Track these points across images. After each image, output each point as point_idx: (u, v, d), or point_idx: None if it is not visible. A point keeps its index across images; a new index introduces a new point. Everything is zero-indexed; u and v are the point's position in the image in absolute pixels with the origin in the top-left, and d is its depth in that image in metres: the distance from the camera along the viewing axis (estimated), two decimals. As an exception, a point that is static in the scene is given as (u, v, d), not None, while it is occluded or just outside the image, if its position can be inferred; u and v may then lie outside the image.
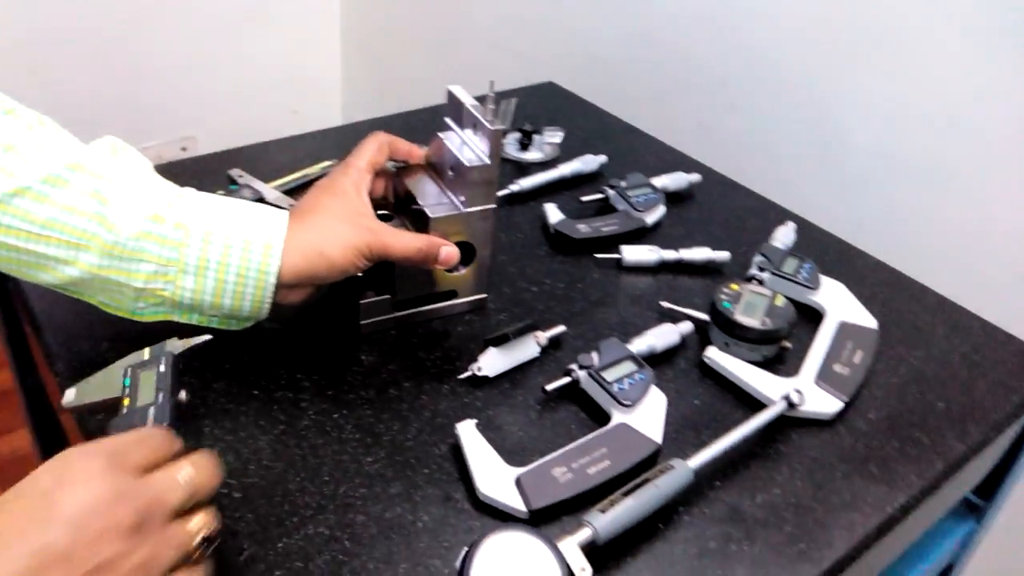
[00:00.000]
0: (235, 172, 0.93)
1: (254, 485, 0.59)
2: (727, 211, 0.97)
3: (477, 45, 1.80)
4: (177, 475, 0.44)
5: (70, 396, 0.59)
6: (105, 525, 0.39)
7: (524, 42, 1.64)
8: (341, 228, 0.64)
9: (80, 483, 0.40)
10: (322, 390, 0.68)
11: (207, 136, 2.23)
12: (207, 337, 0.63)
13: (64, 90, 1.86)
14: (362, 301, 0.72)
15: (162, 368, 0.58)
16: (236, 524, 0.56)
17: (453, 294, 0.76)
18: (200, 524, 0.44)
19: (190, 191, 0.64)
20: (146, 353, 0.60)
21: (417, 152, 0.75)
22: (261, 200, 0.88)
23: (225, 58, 2.15)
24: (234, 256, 0.60)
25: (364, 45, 2.27)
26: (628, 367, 0.68)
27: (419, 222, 0.71)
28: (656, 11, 1.33)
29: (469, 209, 0.71)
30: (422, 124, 1.11)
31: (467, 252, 0.74)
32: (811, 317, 0.80)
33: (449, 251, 0.68)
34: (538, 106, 1.19)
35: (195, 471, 0.45)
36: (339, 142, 1.05)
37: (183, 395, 0.59)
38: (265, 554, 0.54)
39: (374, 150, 0.71)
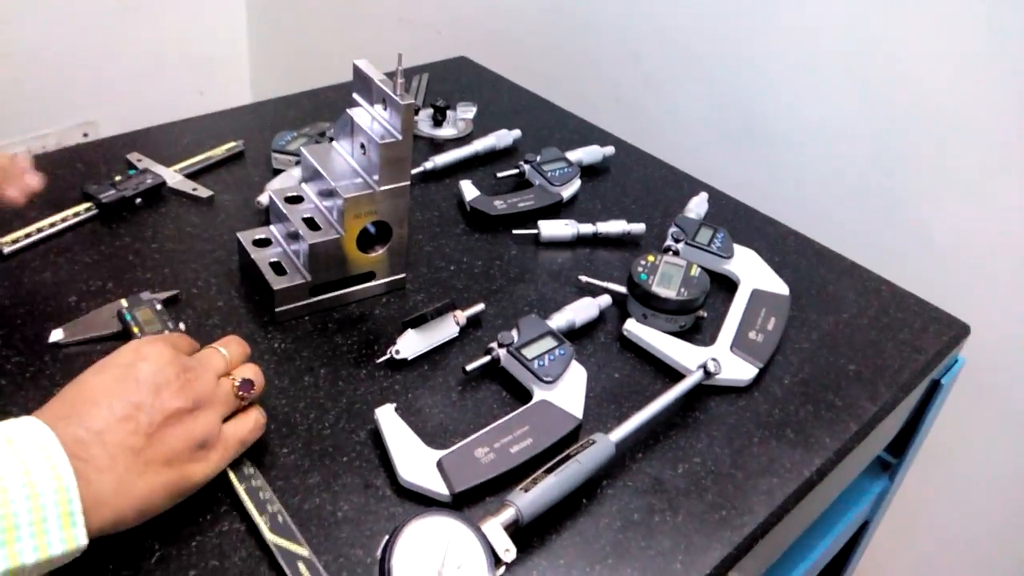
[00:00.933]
0: (134, 156, 0.89)
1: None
2: (641, 183, 0.98)
3: (386, 20, 1.75)
4: (217, 349, 0.58)
5: (58, 335, 0.66)
6: (172, 386, 0.51)
7: (434, 16, 1.61)
8: None
9: (152, 359, 0.52)
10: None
11: (108, 120, 2.12)
12: (175, 291, 0.72)
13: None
14: (276, 287, 0.70)
15: (158, 307, 0.68)
16: (145, 523, 0.53)
17: (371, 276, 0.74)
18: (239, 374, 0.57)
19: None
20: (124, 302, 0.68)
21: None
22: (163, 185, 0.85)
23: (125, 38, 2.05)
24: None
25: (271, 21, 2.20)
26: (548, 343, 0.67)
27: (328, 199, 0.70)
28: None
29: (383, 187, 0.69)
30: (330, 101, 1.07)
31: (383, 232, 0.72)
32: (726, 286, 0.81)
33: (28, 180, 0.68)
34: (450, 82, 1.17)
35: (228, 346, 0.59)
36: (245, 121, 1.01)
37: (182, 325, 0.68)
38: (178, 553, 0.52)
39: None
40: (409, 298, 0.76)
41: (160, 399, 0.50)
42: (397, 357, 0.67)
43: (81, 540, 0.44)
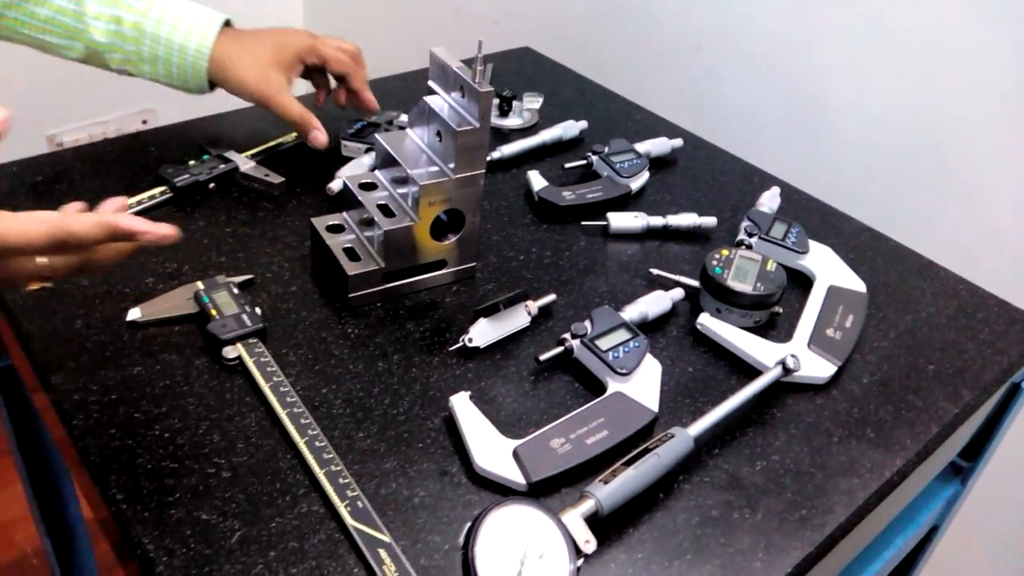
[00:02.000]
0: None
1: (243, 464, 0.57)
2: (711, 176, 0.96)
3: (443, 11, 1.75)
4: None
5: (135, 313, 0.67)
6: None
7: (491, 6, 1.61)
8: (250, 67, 0.81)
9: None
10: (309, 364, 0.65)
11: (167, 108, 2.16)
12: (250, 276, 0.73)
13: (16, 67, 1.79)
14: (350, 273, 0.70)
15: (234, 290, 0.69)
16: (226, 505, 0.54)
17: (442, 264, 0.74)
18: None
19: None
20: (201, 284, 0.69)
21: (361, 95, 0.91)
22: (235, 171, 0.85)
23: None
24: (174, 56, 0.80)
25: (328, 11, 2.21)
26: (622, 335, 0.66)
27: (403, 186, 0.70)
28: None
29: (458, 175, 0.68)
30: (395, 90, 1.07)
31: (455, 220, 0.72)
32: (800, 282, 0.79)
33: (318, 135, 0.84)
34: (515, 72, 1.17)
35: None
36: (399, 86, 1.02)
37: (258, 310, 0.67)
38: (258, 535, 0.52)
39: (334, 58, 0.87)
40: (479, 287, 0.75)
41: None
42: (470, 345, 0.67)
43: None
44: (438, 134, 0.70)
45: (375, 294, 0.72)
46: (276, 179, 0.85)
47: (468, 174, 0.69)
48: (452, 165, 0.68)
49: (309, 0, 2.23)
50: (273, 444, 0.58)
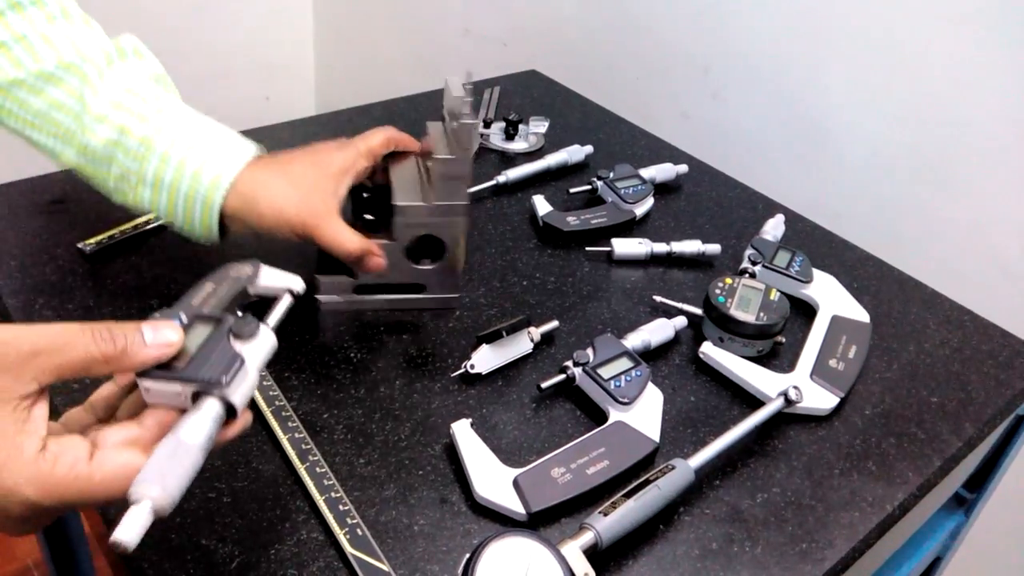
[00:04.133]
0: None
1: (244, 489, 0.57)
2: (715, 202, 0.96)
3: (452, 31, 1.77)
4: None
5: None
6: None
7: (500, 28, 1.62)
8: (288, 193, 0.63)
9: None
10: (311, 388, 0.65)
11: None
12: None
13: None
14: (321, 278, 0.70)
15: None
16: (226, 530, 0.54)
17: (421, 288, 0.74)
18: None
19: (173, 103, 0.66)
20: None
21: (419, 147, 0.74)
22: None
23: (192, 39, 2.09)
24: (184, 181, 0.62)
25: (338, 29, 2.23)
26: (624, 363, 0.66)
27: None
28: (639, -2, 1.32)
29: (436, 203, 0.69)
30: (400, 113, 1.08)
31: (435, 246, 0.72)
32: (804, 311, 0.79)
33: (377, 261, 0.67)
34: (521, 95, 1.18)
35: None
36: (314, 131, 1.02)
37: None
38: (257, 561, 0.52)
39: (380, 141, 0.70)
40: (482, 312, 0.76)
41: None
42: (472, 371, 0.67)
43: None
44: (428, 158, 0.70)
45: (345, 303, 0.73)
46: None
47: (447, 203, 0.69)
48: (432, 192, 0.69)
49: (319, 16, 2.25)
50: (274, 469, 0.58)
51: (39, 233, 0.79)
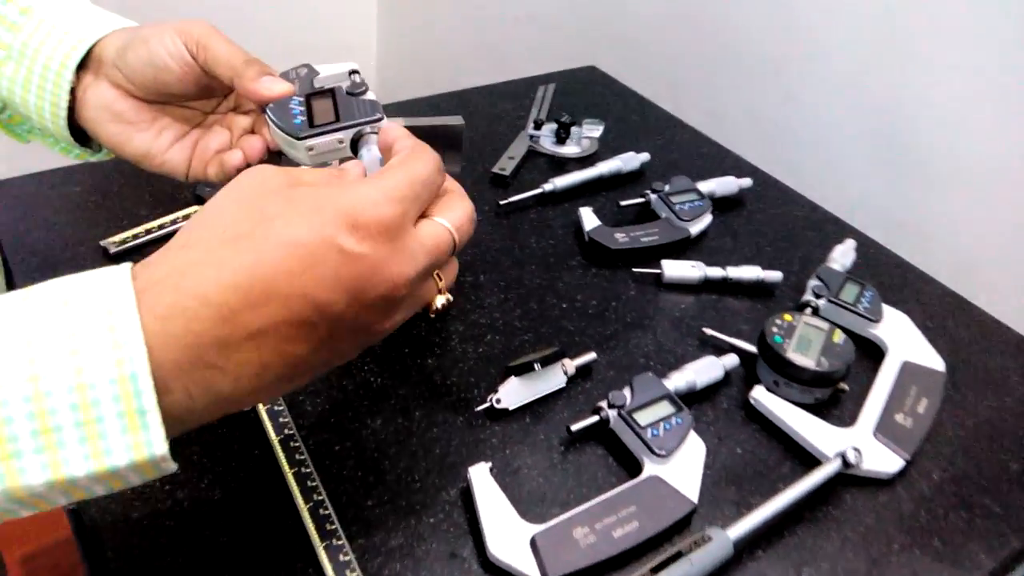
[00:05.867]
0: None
1: (237, 525, 0.53)
2: (780, 221, 0.89)
3: (515, 21, 1.70)
4: (447, 226, 0.44)
5: None
6: (391, 309, 0.41)
7: (564, 19, 1.55)
8: (164, 26, 0.55)
9: (401, 260, 0.40)
10: (325, 416, 0.61)
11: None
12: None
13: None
14: None
15: None
16: (221, 573, 0.50)
17: None
18: (445, 283, 0.46)
19: None
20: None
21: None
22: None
23: (254, 20, 2.07)
24: (48, 45, 0.55)
25: (400, 14, 2.18)
26: (664, 409, 0.60)
27: None
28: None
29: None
30: (452, 108, 1.03)
31: None
32: (871, 353, 0.72)
33: (275, 88, 0.52)
34: (578, 93, 1.11)
35: (458, 218, 0.45)
36: (456, 104, 1.00)
37: None
38: (247, 614, 0.48)
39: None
40: (515, 337, 0.70)
41: (365, 316, 0.39)
42: (498, 406, 0.62)
43: (156, 448, 0.33)
44: None
45: None
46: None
47: None
48: None
49: (383, 12, 2.20)
50: (275, 504, 0.54)
51: (64, 228, 0.76)
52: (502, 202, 0.85)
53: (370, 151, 0.50)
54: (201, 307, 0.35)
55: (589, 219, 0.82)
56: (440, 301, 0.46)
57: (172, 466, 0.35)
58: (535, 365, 0.63)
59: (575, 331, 0.71)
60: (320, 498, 0.55)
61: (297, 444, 0.58)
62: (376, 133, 0.51)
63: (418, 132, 0.59)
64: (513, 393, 0.63)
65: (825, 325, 0.67)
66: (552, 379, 0.65)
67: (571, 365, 0.65)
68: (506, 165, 0.90)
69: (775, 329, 0.67)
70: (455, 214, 0.45)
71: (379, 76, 2.34)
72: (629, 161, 0.92)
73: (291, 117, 0.51)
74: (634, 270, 0.78)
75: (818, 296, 0.73)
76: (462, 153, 0.62)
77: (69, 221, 0.77)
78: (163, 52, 0.55)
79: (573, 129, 0.95)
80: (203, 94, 0.59)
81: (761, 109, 1.21)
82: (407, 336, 0.69)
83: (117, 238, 0.75)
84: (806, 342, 0.66)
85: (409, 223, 0.41)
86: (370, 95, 0.52)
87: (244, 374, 0.36)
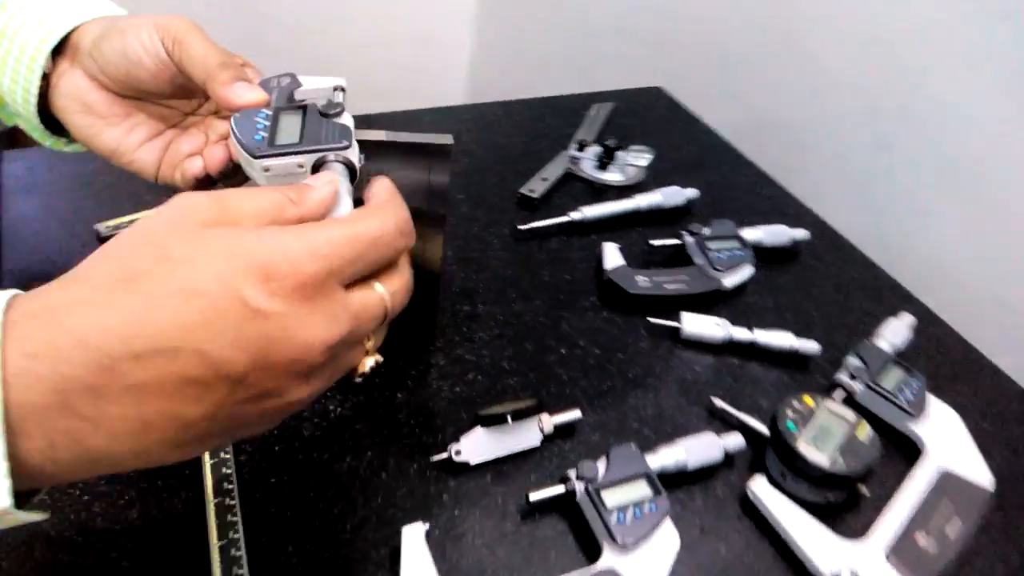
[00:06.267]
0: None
1: (143, 552, 0.48)
2: (833, 283, 0.79)
3: (606, 32, 1.63)
4: (382, 293, 0.38)
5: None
6: (310, 372, 0.35)
7: (654, 33, 1.47)
8: (143, 18, 0.51)
9: (316, 320, 0.34)
10: (269, 443, 0.56)
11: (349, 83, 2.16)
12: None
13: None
14: None
15: None
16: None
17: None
18: (373, 344, 0.40)
19: None
20: None
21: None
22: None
23: (360, 5, 2.07)
24: (27, 27, 0.51)
25: (499, 14, 2.14)
26: (639, 490, 0.53)
27: None
28: (795, 12, 1.13)
29: None
30: (497, 119, 0.97)
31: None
32: (905, 450, 0.62)
33: (245, 95, 0.47)
34: (638, 115, 1.03)
35: (396, 286, 0.39)
36: (501, 115, 0.96)
37: None
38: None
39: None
40: (500, 379, 0.64)
41: (272, 381, 0.34)
42: (456, 459, 0.56)
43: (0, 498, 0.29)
44: None
45: None
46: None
47: None
48: None
49: (482, 12, 2.16)
50: (189, 535, 0.49)
51: (65, 208, 0.74)
52: (521, 227, 0.78)
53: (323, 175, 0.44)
54: (76, 349, 0.30)
55: (611, 256, 0.74)
56: (369, 363, 0.41)
57: (26, 517, 0.30)
58: (507, 417, 0.56)
59: (568, 381, 0.64)
60: (236, 536, 0.50)
61: (229, 471, 0.53)
62: (341, 162, 0.45)
63: (399, 147, 0.53)
64: (477, 446, 0.56)
65: (851, 416, 0.58)
66: (525, 435, 0.58)
67: (549, 422, 0.58)
68: (536, 186, 0.83)
69: (790, 413, 0.58)
70: (394, 282, 0.39)
71: (471, 70, 2.30)
72: (672, 196, 0.83)
73: (253, 131, 0.46)
74: (650, 319, 0.70)
75: (853, 377, 0.64)
76: (448, 169, 0.56)
77: (73, 201, 0.75)
78: (137, 46, 0.51)
79: (618, 154, 0.88)
80: (180, 93, 0.54)
81: (847, 155, 1.10)
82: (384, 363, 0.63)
83: (112, 222, 0.72)
84: (824, 433, 0.57)
85: (334, 283, 0.35)
86: (344, 119, 0.46)
87: (121, 431, 0.31)
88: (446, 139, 0.54)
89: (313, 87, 0.50)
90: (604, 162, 0.87)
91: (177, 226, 0.35)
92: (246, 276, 0.32)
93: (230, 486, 0.52)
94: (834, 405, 0.59)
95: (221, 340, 0.32)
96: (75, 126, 0.53)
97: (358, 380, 0.41)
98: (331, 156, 0.43)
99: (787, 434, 0.56)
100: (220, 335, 0.32)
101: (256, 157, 0.44)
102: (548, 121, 0.98)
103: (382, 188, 0.42)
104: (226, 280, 0.32)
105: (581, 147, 0.88)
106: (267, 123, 0.46)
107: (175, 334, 0.31)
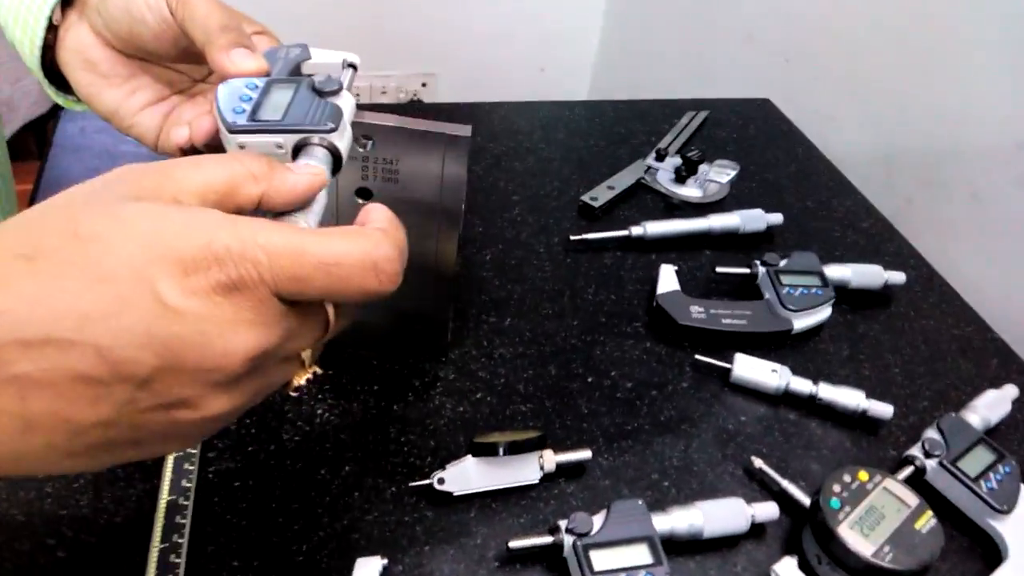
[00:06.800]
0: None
1: (83, 545, 0.45)
2: (927, 337, 0.68)
3: (734, 38, 1.52)
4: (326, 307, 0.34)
5: None
6: (205, 368, 0.29)
7: (783, 40, 1.35)
8: None
9: (248, 325, 0.29)
10: (242, 441, 0.52)
11: (448, 75, 2.15)
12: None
13: (306, 12, 1.84)
14: None
15: None
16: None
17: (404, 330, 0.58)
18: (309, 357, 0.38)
19: None
20: None
21: None
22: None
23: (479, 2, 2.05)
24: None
25: (625, 14, 2.06)
26: (636, 555, 0.45)
27: None
28: (942, 33, 1.00)
29: None
30: (574, 119, 0.90)
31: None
32: (983, 548, 0.51)
33: (242, 63, 0.42)
34: (737, 127, 0.94)
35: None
36: (582, 115, 0.90)
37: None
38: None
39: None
40: (511, 404, 0.57)
41: (183, 391, 0.29)
42: (438, 488, 0.49)
43: None
44: None
45: None
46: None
47: None
48: None
49: (608, 25, 2.09)
50: (134, 532, 0.46)
51: (104, 171, 0.73)
52: (573, 237, 0.71)
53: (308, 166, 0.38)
54: None
55: (666, 280, 0.66)
56: (304, 377, 0.35)
57: None
58: (500, 449, 0.49)
59: (588, 414, 0.57)
60: (180, 541, 0.46)
61: (192, 468, 0.49)
62: (324, 147, 0.39)
63: (411, 135, 0.48)
64: (465, 476, 0.50)
65: (913, 500, 0.48)
66: (522, 470, 0.51)
67: (551, 459, 0.51)
68: (600, 195, 0.76)
69: (837, 488, 0.48)
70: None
71: (594, 70, 2.24)
72: (752, 220, 0.74)
73: (236, 103, 0.41)
74: (697, 357, 0.61)
75: (928, 454, 0.53)
76: (465, 162, 0.50)
77: (113, 164, 0.74)
78: (141, 2, 0.47)
79: (700, 167, 0.79)
80: (185, 57, 0.50)
81: (982, 194, 0.96)
82: (387, 370, 0.58)
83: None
84: (874, 517, 0.47)
85: (267, 290, 0.30)
86: (343, 99, 0.41)
87: (1, 429, 0.27)
88: (463, 130, 0.49)
89: (322, 60, 0.45)
90: (682, 175, 0.79)
91: (96, 198, 0.30)
92: (162, 266, 0.27)
93: (188, 484, 0.48)
94: (894, 484, 0.49)
95: (125, 336, 0.27)
96: (77, 83, 0.50)
97: (293, 393, 0.35)
98: (314, 139, 0.38)
99: (828, 512, 0.47)
100: (124, 331, 0.27)
101: (231, 132, 0.39)
102: (632, 126, 0.90)
103: (380, 216, 0.34)
104: (139, 268, 0.27)
105: (659, 157, 0.80)
106: (254, 95, 0.41)
107: (71, 324, 0.26)
